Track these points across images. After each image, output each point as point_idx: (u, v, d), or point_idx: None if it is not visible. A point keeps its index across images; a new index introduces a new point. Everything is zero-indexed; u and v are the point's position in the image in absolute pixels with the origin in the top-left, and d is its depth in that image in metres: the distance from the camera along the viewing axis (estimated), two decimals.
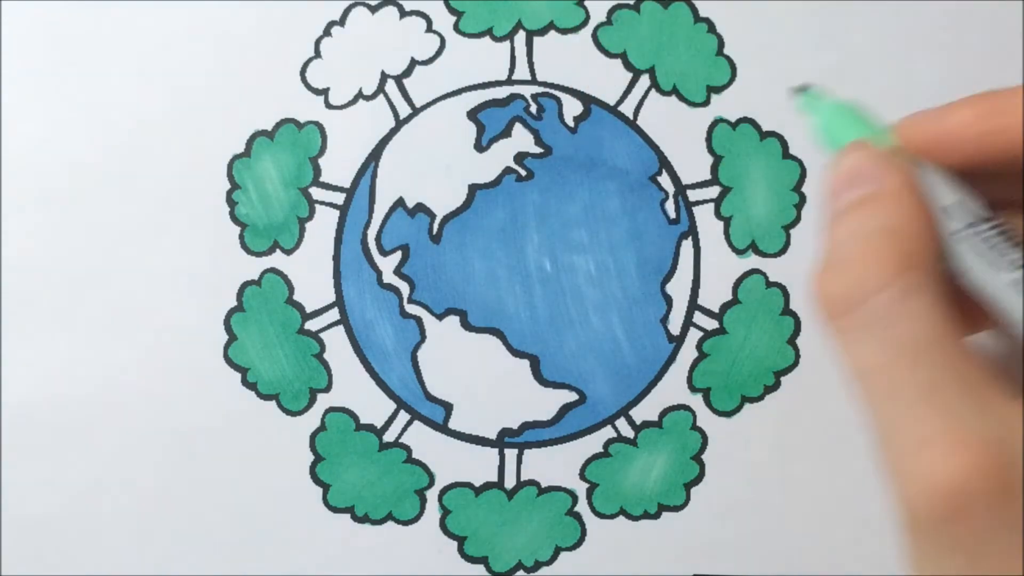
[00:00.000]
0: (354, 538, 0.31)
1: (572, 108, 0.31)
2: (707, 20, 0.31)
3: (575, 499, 0.31)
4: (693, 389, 0.32)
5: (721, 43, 0.31)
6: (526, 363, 0.31)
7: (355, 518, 0.31)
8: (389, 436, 0.31)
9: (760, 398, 0.32)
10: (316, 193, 0.31)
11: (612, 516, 0.31)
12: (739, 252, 0.32)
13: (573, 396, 0.31)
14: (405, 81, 0.31)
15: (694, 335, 0.32)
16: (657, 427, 0.32)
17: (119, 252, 0.31)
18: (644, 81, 0.31)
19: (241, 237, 0.31)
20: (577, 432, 0.31)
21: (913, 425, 0.19)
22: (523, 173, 0.31)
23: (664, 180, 0.31)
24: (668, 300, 0.32)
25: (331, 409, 0.31)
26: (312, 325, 0.31)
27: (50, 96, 0.31)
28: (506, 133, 0.31)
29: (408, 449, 0.31)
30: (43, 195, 0.31)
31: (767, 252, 0.31)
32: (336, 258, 0.31)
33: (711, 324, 0.32)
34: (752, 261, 0.31)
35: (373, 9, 0.31)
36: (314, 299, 0.31)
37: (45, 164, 0.31)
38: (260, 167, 0.31)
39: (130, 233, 0.31)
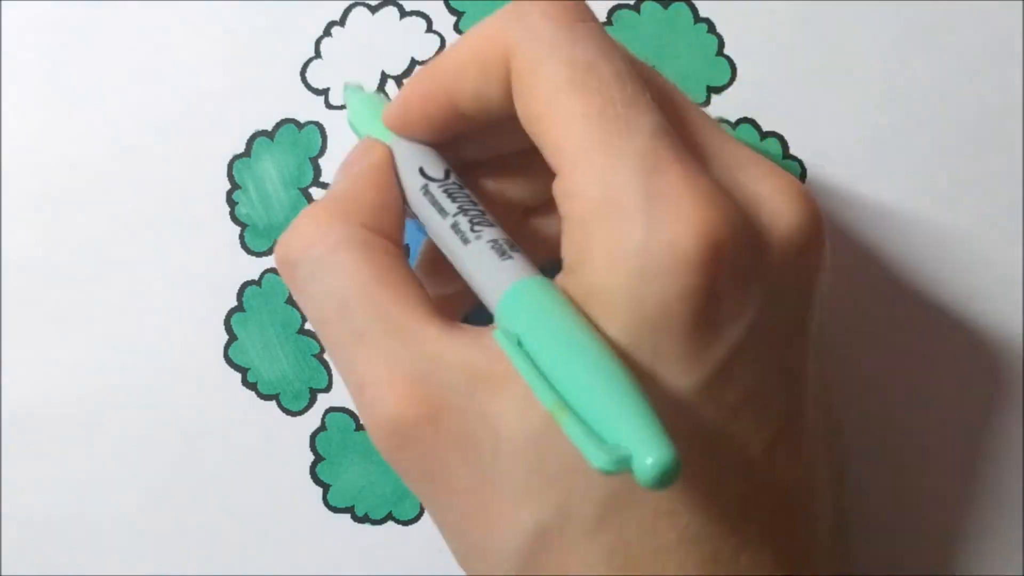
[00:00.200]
0: (354, 538, 0.31)
1: None
2: (707, 20, 0.31)
3: None
4: None
5: (721, 43, 0.31)
6: None
7: (355, 518, 0.31)
8: None
9: None
10: (316, 193, 0.31)
11: None
12: None
13: None
14: (405, 81, 0.31)
15: None
16: None
17: (119, 252, 0.31)
18: None
19: (241, 237, 0.31)
20: None
21: (353, 370, 0.21)
22: None
23: None
24: None
25: (331, 409, 0.31)
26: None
27: (50, 96, 0.31)
28: None
29: None
30: (43, 195, 0.31)
31: None
32: None
33: None
34: None
35: (373, 9, 0.31)
36: None
37: (45, 164, 0.31)
38: (260, 167, 0.31)
39: (130, 233, 0.31)
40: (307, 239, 0.22)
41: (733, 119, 0.31)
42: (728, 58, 0.31)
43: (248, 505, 0.31)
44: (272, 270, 0.31)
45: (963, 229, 0.31)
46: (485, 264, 0.22)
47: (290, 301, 0.31)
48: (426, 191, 0.24)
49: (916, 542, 0.31)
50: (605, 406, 0.18)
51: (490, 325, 0.22)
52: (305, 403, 0.31)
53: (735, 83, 0.31)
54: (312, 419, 0.31)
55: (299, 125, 0.31)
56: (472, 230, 0.22)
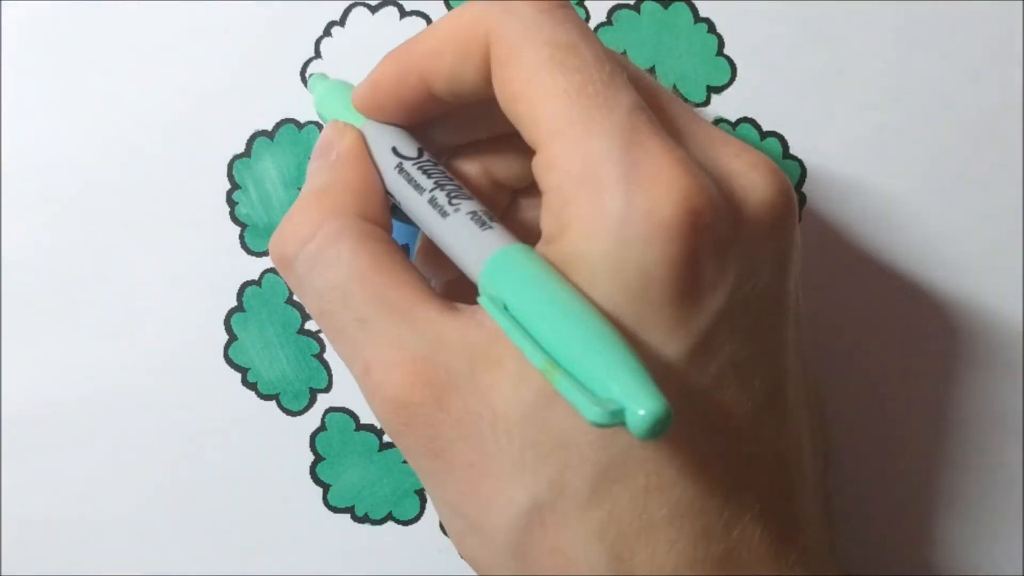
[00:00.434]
0: (354, 538, 0.31)
1: None
2: (707, 20, 0.31)
3: None
4: None
5: (721, 43, 0.31)
6: None
7: (355, 518, 0.31)
8: (389, 436, 0.31)
9: None
10: None
11: None
12: None
13: None
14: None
15: None
16: None
17: (119, 252, 0.31)
18: None
19: (241, 237, 0.31)
20: None
21: (358, 355, 0.22)
22: None
23: None
24: None
25: (331, 409, 0.31)
26: (312, 325, 0.31)
27: (50, 96, 0.31)
28: None
29: None
30: (43, 195, 0.31)
31: None
32: None
33: None
34: None
35: (373, 9, 0.31)
36: None
37: (45, 164, 0.31)
38: (260, 167, 0.31)
39: (130, 233, 0.31)
40: (301, 234, 0.23)
41: (733, 119, 0.31)
42: (728, 58, 0.31)
43: (248, 505, 0.31)
44: (272, 270, 0.31)
45: (963, 229, 0.31)
46: (466, 235, 0.22)
47: (290, 301, 0.31)
48: (401, 169, 0.24)
49: (909, 539, 0.31)
50: (595, 363, 0.18)
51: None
52: (305, 403, 0.31)
53: (735, 83, 0.31)
54: (312, 419, 0.31)
55: (299, 125, 0.31)
56: (450, 203, 0.23)
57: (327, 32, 0.31)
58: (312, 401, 0.31)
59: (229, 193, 0.31)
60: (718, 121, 0.31)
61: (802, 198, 0.31)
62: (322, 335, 0.31)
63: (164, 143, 0.31)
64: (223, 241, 0.31)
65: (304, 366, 0.31)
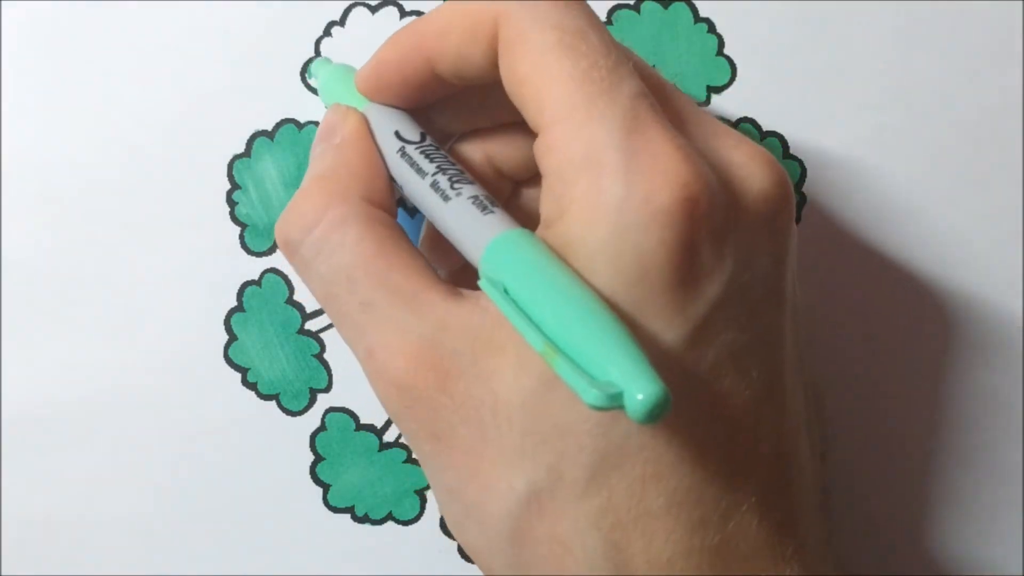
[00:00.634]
0: (354, 538, 0.31)
1: None
2: (707, 20, 0.31)
3: None
4: None
5: (721, 43, 0.31)
6: None
7: (355, 518, 0.31)
8: (389, 436, 0.31)
9: None
10: None
11: None
12: None
13: None
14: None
15: None
16: None
17: (119, 252, 0.31)
18: None
19: (241, 237, 0.31)
20: None
21: (362, 339, 0.22)
22: None
23: None
24: None
25: (331, 409, 0.31)
26: (312, 325, 0.31)
27: (50, 96, 0.31)
28: None
29: (408, 449, 0.31)
30: (43, 195, 0.31)
31: None
32: None
33: None
34: None
35: (373, 9, 0.31)
36: (314, 299, 0.31)
37: (45, 164, 0.31)
38: (260, 167, 0.31)
39: (130, 233, 0.31)
40: (307, 219, 0.23)
41: (733, 119, 0.31)
42: (728, 58, 0.31)
43: (248, 505, 0.31)
44: (272, 270, 0.31)
45: (963, 229, 0.31)
46: (467, 219, 0.22)
47: (290, 301, 0.31)
48: (403, 153, 0.24)
49: (904, 536, 0.31)
50: (594, 347, 0.18)
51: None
52: (305, 403, 0.31)
53: (735, 83, 0.31)
54: (312, 419, 0.31)
55: (299, 125, 0.31)
56: (452, 187, 0.23)
57: (327, 32, 0.31)
58: (312, 401, 0.31)
59: (229, 193, 0.31)
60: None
61: (802, 198, 0.31)
62: (322, 335, 0.31)
63: (164, 143, 0.31)
64: (223, 241, 0.31)
65: (304, 366, 0.31)
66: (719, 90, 0.31)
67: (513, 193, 0.27)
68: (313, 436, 0.31)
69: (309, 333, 0.31)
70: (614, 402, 0.17)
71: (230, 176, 0.31)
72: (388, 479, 0.31)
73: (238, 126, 0.31)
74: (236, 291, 0.31)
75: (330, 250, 0.23)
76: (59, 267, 0.31)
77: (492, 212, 0.22)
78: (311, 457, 0.31)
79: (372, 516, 0.31)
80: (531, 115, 0.22)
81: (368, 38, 0.31)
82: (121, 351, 0.31)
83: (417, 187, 0.23)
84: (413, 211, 0.30)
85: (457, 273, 0.28)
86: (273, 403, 0.31)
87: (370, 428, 0.31)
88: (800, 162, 0.31)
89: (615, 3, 0.31)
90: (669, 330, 0.20)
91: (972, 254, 0.31)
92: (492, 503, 0.21)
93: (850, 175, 0.31)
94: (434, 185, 0.23)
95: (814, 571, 0.22)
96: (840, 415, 0.31)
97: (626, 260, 0.20)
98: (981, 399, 0.31)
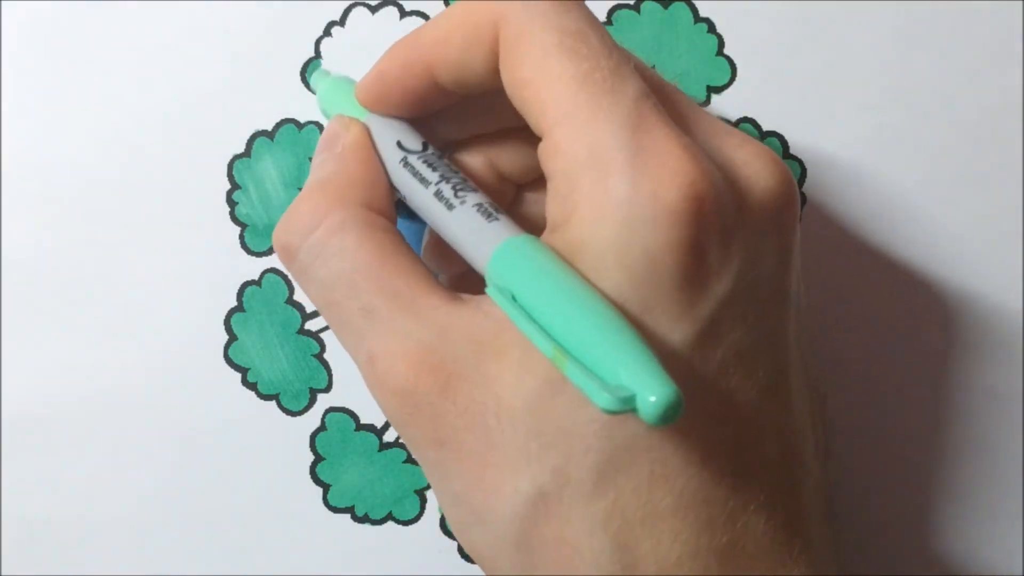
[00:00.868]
0: (354, 538, 0.31)
1: None
2: (707, 20, 0.31)
3: None
4: None
5: (721, 43, 0.31)
6: None
7: (355, 518, 0.31)
8: (389, 436, 0.31)
9: None
10: None
11: None
12: None
13: None
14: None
15: None
16: None
17: (119, 252, 0.31)
18: None
19: (241, 237, 0.31)
20: None
21: (362, 345, 0.22)
22: None
23: None
24: None
25: (331, 409, 0.31)
26: (312, 325, 0.31)
27: (50, 96, 0.31)
28: None
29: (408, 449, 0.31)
30: (43, 195, 0.31)
31: None
32: None
33: None
34: None
35: (373, 9, 0.31)
36: None
37: (45, 164, 0.31)
38: (260, 167, 0.31)
39: (130, 233, 0.31)
40: (306, 224, 0.23)
41: (733, 119, 0.31)
42: (728, 58, 0.31)
43: (248, 505, 0.31)
44: (272, 270, 0.31)
45: (963, 229, 0.31)
46: (472, 227, 0.22)
47: (290, 301, 0.31)
48: (406, 163, 0.24)
49: (907, 536, 0.31)
50: (605, 350, 0.18)
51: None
52: (305, 403, 0.31)
53: (735, 83, 0.31)
54: (312, 419, 0.31)
55: (299, 125, 0.31)
56: (456, 196, 0.23)
57: (327, 32, 0.31)
58: (312, 401, 0.31)
59: (229, 193, 0.31)
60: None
61: (802, 198, 0.31)
62: (322, 335, 0.31)
63: (164, 143, 0.31)
64: (223, 241, 0.31)
65: (304, 366, 0.31)
66: (719, 90, 0.31)
67: (515, 197, 0.27)
68: (313, 436, 0.31)
69: (309, 333, 0.31)
70: (627, 405, 0.17)
71: (230, 176, 0.31)
72: (388, 479, 0.31)
73: (238, 126, 0.31)
74: (236, 291, 0.31)
75: (329, 254, 0.22)
76: (59, 267, 0.31)
77: (497, 219, 0.22)
78: (311, 457, 0.31)
79: (372, 516, 0.31)
80: (534, 118, 0.22)
81: (368, 38, 0.31)
82: (121, 351, 0.31)
83: (421, 197, 0.23)
84: (412, 217, 0.30)
85: (457, 280, 0.28)
86: (273, 403, 0.31)
87: (370, 428, 0.31)
88: (800, 162, 0.31)
89: (615, 3, 0.31)
90: (677, 329, 0.20)
91: (972, 254, 0.31)
92: (498, 507, 0.21)
93: (850, 175, 0.31)
94: (438, 194, 0.23)
95: (820, 571, 0.22)
96: (841, 415, 0.31)
97: (634, 259, 0.20)
98: (982, 398, 0.31)
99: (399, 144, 0.24)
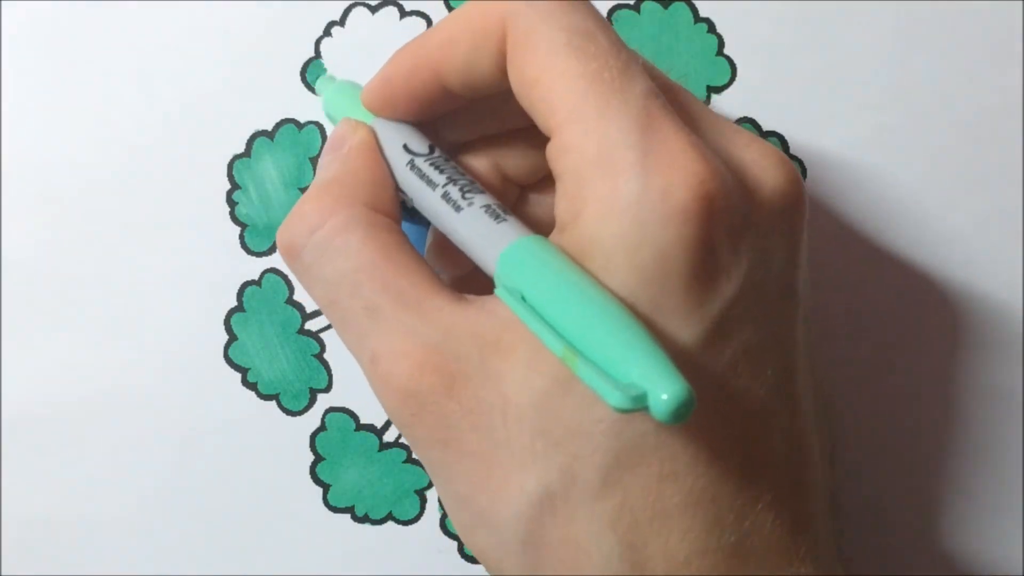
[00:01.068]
0: (354, 538, 0.31)
1: None
2: (707, 20, 0.31)
3: None
4: None
5: (721, 43, 0.31)
6: None
7: (355, 518, 0.31)
8: (389, 436, 0.31)
9: None
10: None
11: None
12: None
13: None
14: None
15: None
16: None
17: (119, 252, 0.31)
18: None
19: (241, 237, 0.31)
20: None
21: (366, 344, 0.22)
22: None
23: None
24: None
25: (331, 409, 0.31)
26: (312, 325, 0.31)
27: (50, 96, 0.31)
28: None
29: (408, 449, 0.31)
30: (43, 195, 0.31)
31: None
32: None
33: None
34: None
35: (373, 9, 0.31)
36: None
37: (45, 164, 0.31)
38: (260, 167, 0.31)
39: (130, 233, 0.31)
40: (311, 223, 0.23)
41: (733, 119, 0.31)
42: (728, 58, 0.31)
43: (248, 505, 0.31)
44: (272, 270, 0.31)
45: (963, 229, 0.31)
46: (480, 228, 0.22)
47: (290, 301, 0.31)
48: (412, 166, 0.24)
49: (908, 539, 0.31)
50: (615, 349, 0.18)
51: (493, 293, 0.22)
52: (305, 403, 0.31)
53: (735, 83, 0.31)
54: (312, 419, 0.31)
55: (299, 125, 0.31)
56: (463, 197, 0.23)
57: (327, 32, 0.31)
58: (312, 401, 0.31)
59: (229, 193, 0.31)
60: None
61: None
62: (322, 335, 0.31)
63: (164, 143, 0.31)
64: (223, 241, 0.31)
65: (304, 366, 0.31)
66: (719, 90, 0.31)
67: (520, 198, 0.27)
68: (313, 436, 0.31)
69: (309, 333, 0.31)
70: (638, 403, 0.17)
71: (230, 176, 0.31)
72: (388, 479, 0.31)
73: (238, 126, 0.31)
74: (236, 291, 0.31)
75: (333, 253, 0.22)
76: (59, 267, 0.31)
77: (505, 220, 0.22)
78: (311, 457, 0.31)
79: (372, 516, 0.31)
80: (542, 118, 0.22)
81: (368, 38, 0.31)
82: (121, 351, 0.31)
83: (428, 199, 0.23)
84: (414, 221, 0.30)
85: (459, 283, 0.28)
86: (273, 403, 0.31)
87: (370, 428, 0.31)
88: (800, 162, 0.31)
89: (615, 3, 0.31)
90: (686, 328, 0.20)
91: (972, 254, 0.31)
92: (504, 507, 0.21)
93: (850, 175, 0.31)
94: (445, 196, 0.23)
95: (826, 571, 0.22)
96: (842, 415, 0.31)
97: (644, 257, 0.20)
98: (983, 398, 0.31)
99: (405, 147, 0.24)
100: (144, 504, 0.31)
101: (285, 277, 0.31)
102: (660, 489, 0.20)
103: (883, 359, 0.31)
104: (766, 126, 0.31)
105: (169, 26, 0.31)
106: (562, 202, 0.21)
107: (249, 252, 0.31)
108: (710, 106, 0.31)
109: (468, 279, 0.27)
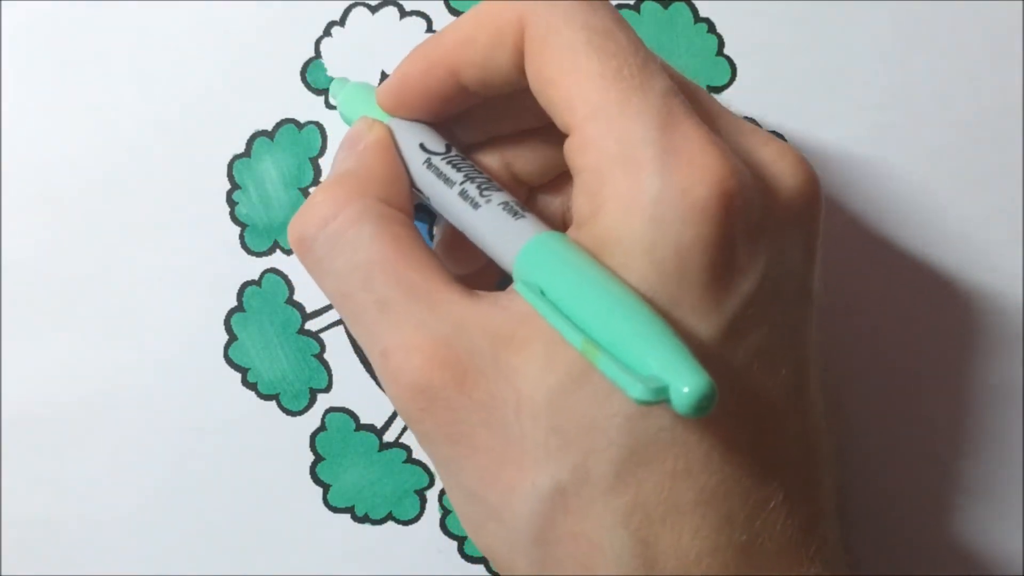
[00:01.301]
0: (354, 538, 0.31)
1: None
2: (707, 20, 0.31)
3: None
4: None
5: (721, 43, 0.31)
6: None
7: (355, 518, 0.31)
8: (389, 436, 0.31)
9: None
10: None
11: None
12: None
13: None
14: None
15: None
16: None
17: (119, 252, 0.31)
18: None
19: (241, 237, 0.31)
20: None
21: (377, 338, 0.22)
22: None
23: None
24: None
25: (331, 409, 0.31)
26: (312, 325, 0.31)
27: (50, 96, 0.31)
28: None
29: (408, 449, 0.31)
30: (43, 195, 0.31)
31: None
32: None
33: None
34: None
35: (373, 9, 0.31)
36: (314, 299, 0.31)
37: (45, 164, 0.31)
38: (260, 167, 0.31)
39: (130, 233, 0.31)
40: (324, 215, 0.23)
41: None
42: (728, 58, 0.31)
43: (248, 505, 0.31)
44: (272, 270, 0.31)
45: (963, 228, 0.31)
46: (498, 225, 0.22)
47: (290, 301, 0.31)
48: (429, 164, 0.24)
49: (914, 538, 0.31)
50: (636, 342, 0.18)
51: (508, 289, 0.22)
52: (305, 403, 0.31)
53: (735, 83, 0.31)
54: (312, 419, 0.31)
55: (299, 125, 0.31)
56: (481, 195, 0.23)
57: (327, 32, 0.31)
58: (312, 401, 0.31)
59: (229, 193, 0.31)
60: None
61: None
62: (322, 335, 0.31)
63: (164, 143, 0.31)
64: (223, 241, 0.31)
65: (304, 366, 0.31)
66: (719, 90, 0.31)
67: (529, 199, 0.27)
68: (313, 436, 0.31)
69: (309, 333, 0.31)
70: (660, 396, 0.17)
71: (230, 176, 0.31)
72: (388, 479, 0.31)
73: (238, 126, 0.31)
74: (236, 291, 0.31)
75: (345, 245, 0.22)
76: (59, 267, 0.31)
77: (523, 217, 0.22)
78: (311, 457, 0.31)
79: (372, 516, 0.31)
80: (561, 115, 0.22)
81: (368, 38, 0.31)
82: (121, 351, 0.31)
83: (445, 197, 0.23)
84: (422, 219, 0.30)
85: (468, 281, 0.28)
86: (273, 403, 0.31)
87: (370, 428, 0.31)
88: None
89: (615, 3, 0.31)
90: (704, 325, 0.20)
91: (972, 253, 0.31)
92: (515, 503, 0.21)
93: (850, 175, 0.31)
94: (463, 194, 0.23)
95: (835, 571, 0.22)
96: (844, 414, 0.31)
97: (663, 254, 0.20)
98: (981, 398, 0.31)
99: (422, 146, 0.24)
100: (144, 504, 0.31)
101: (285, 277, 0.31)
102: (673, 485, 0.20)
103: (883, 358, 0.31)
104: (766, 126, 0.31)
105: (169, 26, 0.31)
106: (581, 198, 0.21)
107: (249, 252, 0.31)
108: None
109: (473, 278, 0.27)
